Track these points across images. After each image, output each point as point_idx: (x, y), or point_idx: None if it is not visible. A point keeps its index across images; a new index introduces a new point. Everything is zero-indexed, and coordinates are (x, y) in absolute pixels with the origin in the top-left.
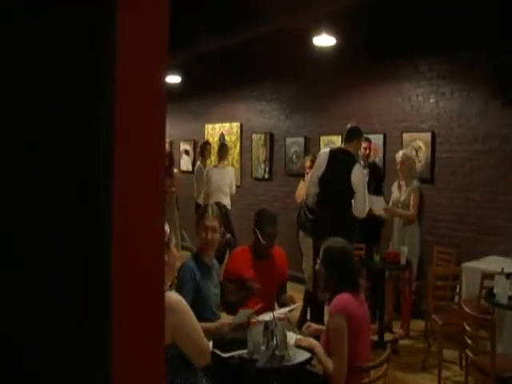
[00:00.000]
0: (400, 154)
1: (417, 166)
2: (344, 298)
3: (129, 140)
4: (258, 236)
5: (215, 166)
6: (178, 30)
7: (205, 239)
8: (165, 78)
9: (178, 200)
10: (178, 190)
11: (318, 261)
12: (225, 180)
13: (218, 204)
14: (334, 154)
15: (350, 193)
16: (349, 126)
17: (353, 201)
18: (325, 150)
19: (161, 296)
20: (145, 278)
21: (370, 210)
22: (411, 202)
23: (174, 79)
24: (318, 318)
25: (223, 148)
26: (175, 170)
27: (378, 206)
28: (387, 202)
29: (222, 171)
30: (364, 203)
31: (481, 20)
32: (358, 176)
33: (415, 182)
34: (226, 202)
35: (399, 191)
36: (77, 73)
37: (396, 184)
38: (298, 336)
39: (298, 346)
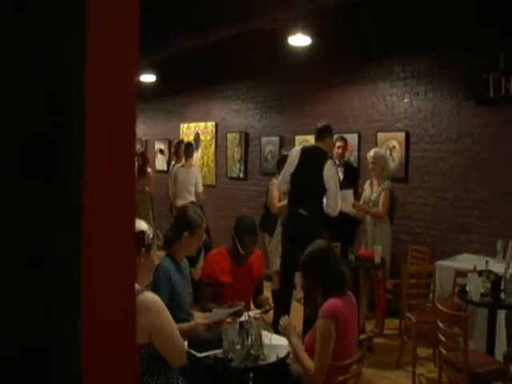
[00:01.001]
0: (371, 152)
1: (391, 165)
2: (335, 303)
3: (99, 140)
4: (237, 244)
5: (182, 166)
6: (153, 28)
7: (197, 248)
8: (136, 76)
9: (152, 200)
10: (152, 189)
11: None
12: (190, 179)
13: (195, 204)
14: (307, 151)
15: (322, 190)
16: (319, 124)
17: (324, 199)
18: (297, 148)
19: (132, 296)
20: (115, 278)
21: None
22: (381, 201)
23: (148, 78)
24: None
25: (189, 147)
26: (149, 170)
27: (346, 201)
28: (358, 199)
29: (187, 170)
30: (336, 200)
31: (455, 21)
32: (331, 172)
33: (387, 182)
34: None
35: (371, 190)
36: (44, 75)
37: (368, 182)
38: (274, 335)
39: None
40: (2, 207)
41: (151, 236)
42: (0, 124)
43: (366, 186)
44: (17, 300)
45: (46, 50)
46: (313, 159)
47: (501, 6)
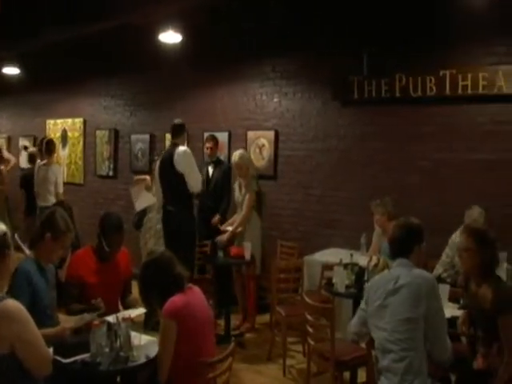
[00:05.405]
0: (236, 157)
1: (261, 163)
2: (174, 302)
3: None
4: (102, 242)
5: (44, 164)
6: (20, 20)
7: (60, 256)
8: None
9: (8, 199)
10: (6, 188)
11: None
12: (50, 178)
13: (63, 204)
14: (163, 155)
15: (181, 179)
16: (176, 121)
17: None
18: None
19: None
20: None
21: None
22: (245, 203)
23: (11, 70)
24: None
25: (50, 144)
26: (1, 167)
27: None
28: None
29: (47, 169)
30: (193, 179)
31: (323, 25)
32: (180, 157)
33: (253, 183)
34: (52, 201)
35: (240, 191)
36: None
37: (237, 183)
38: (143, 335)
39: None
40: None
41: (9, 235)
42: None
43: (235, 185)
44: None
45: None
46: (165, 157)
47: (366, 14)
